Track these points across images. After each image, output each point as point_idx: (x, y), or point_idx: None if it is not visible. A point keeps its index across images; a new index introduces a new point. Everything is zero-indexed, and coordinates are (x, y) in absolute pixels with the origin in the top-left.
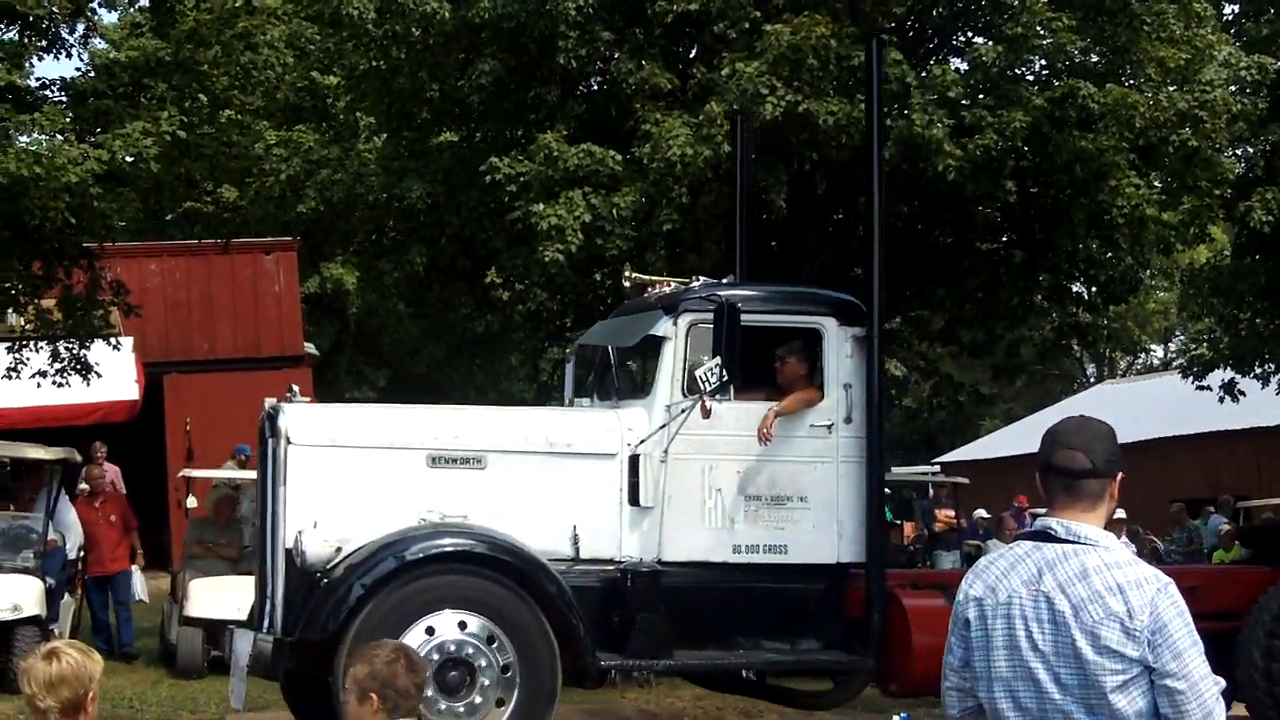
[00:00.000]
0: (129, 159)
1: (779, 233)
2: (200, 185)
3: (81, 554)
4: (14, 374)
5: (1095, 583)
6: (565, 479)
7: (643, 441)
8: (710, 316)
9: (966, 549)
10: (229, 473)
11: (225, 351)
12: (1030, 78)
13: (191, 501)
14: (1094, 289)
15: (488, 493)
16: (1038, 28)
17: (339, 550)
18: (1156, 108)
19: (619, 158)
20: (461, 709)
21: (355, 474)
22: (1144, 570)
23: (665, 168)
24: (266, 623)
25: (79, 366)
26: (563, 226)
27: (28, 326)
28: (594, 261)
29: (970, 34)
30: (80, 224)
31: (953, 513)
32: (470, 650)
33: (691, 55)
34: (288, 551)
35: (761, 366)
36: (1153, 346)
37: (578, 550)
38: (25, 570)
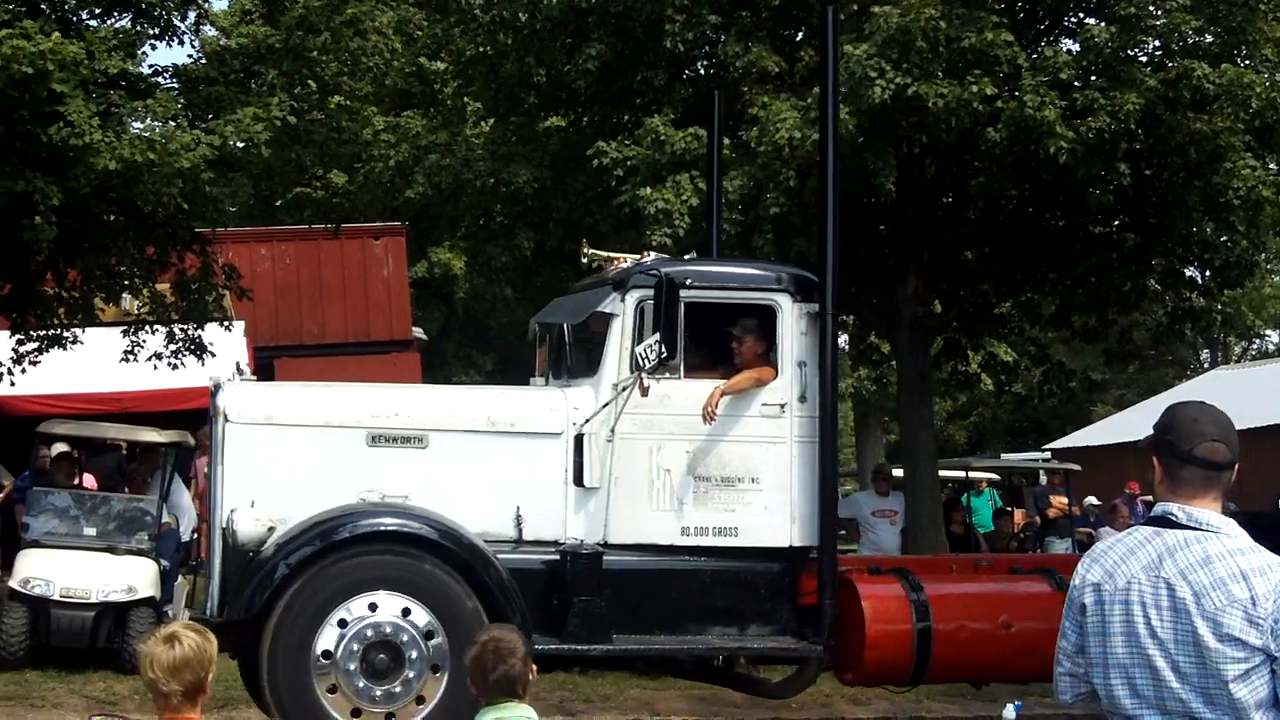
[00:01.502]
0: (240, 145)
1: (887, 216)
2: (310, 171)
3: (195, 536)
4: (131, 357)
5: (1218, 569)
6: (509, 459)
7: (588, 421)
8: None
9: (1078, 536)
10: None
11: (335, 336)
12: (1144, 59)
13: None
14: (1208, 273)
15: (429, 472)
16: (1151, 7)
17: (271, 530)
18: (1273, 88)
19: (726, 141)
20: (381, 693)
21: (294, 453)
22: (1268, 557)
23: (773, 151)
24: (209, 604)
25: (194, 347)
26: (670, 210)
27: (143, 310)
28: (701, 246)
29: (1082, 15)
30: (193, 209)
31: (1065, 499)
32: (397, 633)
33: (799, 38)
34: (223, 531)
35: (720, 345)
36: (1268, 331)
37: (521, 531)
38: (140, 552)
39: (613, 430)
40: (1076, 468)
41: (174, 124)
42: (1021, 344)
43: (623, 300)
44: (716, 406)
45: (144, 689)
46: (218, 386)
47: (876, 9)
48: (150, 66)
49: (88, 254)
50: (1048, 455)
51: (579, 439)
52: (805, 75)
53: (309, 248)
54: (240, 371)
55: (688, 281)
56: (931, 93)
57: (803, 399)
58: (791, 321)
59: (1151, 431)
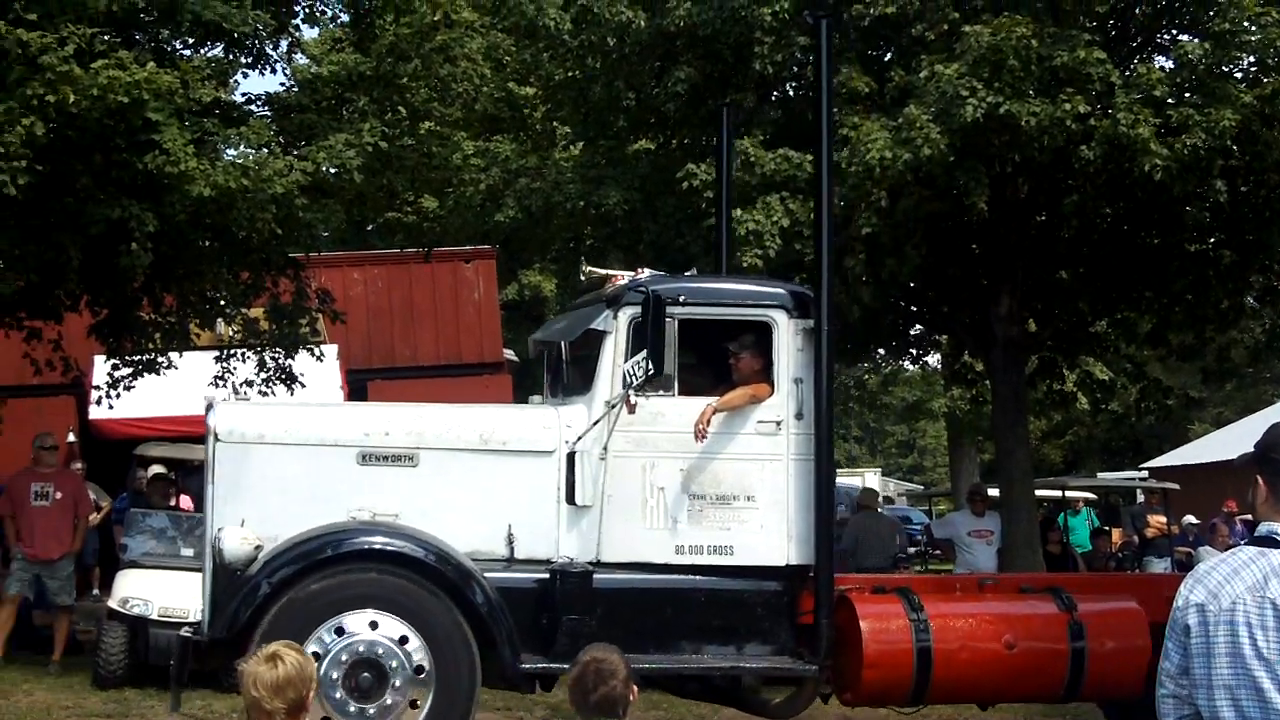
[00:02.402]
0: (332, 171)
1: (980, 235)
2: (401, 196)
3: None
4: (221, 383)
5: None
6: (500, 477)
7: (580, 438)
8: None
9: (1177, 555)
10: None
11: (427, 358)
12: (1238, 75)
13: None
14: None
15: (420, 491)
16: (1245, 23)
17: (259, 548)
18: None
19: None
20: (373, 711)
21: (284, 471)
22: None
23: (864, 171)
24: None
25: (284, 377)
26: (760, 231)
27: (236, 336)
28: (792, 266)
29: (1175, 32)
30: (286, 234)
31: (1164, 519)
32: (381, 651)
33: (889, 58)
34: (211, 549)
35: (720, 362)
36: None
37: (512, 550)
38: None
39: (605, 448)
40: (1175, 486)
41: (267, 151)
42: (1118, 362)
43: (615, 317)
44: (708, 424)
45: (242, 707)
46: (210, 405)
47: (967, 28)
48: (243, 95)
49: (183, 279)
50: (1145, 474)
51: (571, 457)
52: (895, 95)
53: (400, 271)
54: (237, 392)
55: (680, 298)
56: (1024, 111)
57: (799, 416)
58: (787, 337)
59: (1252, 449)
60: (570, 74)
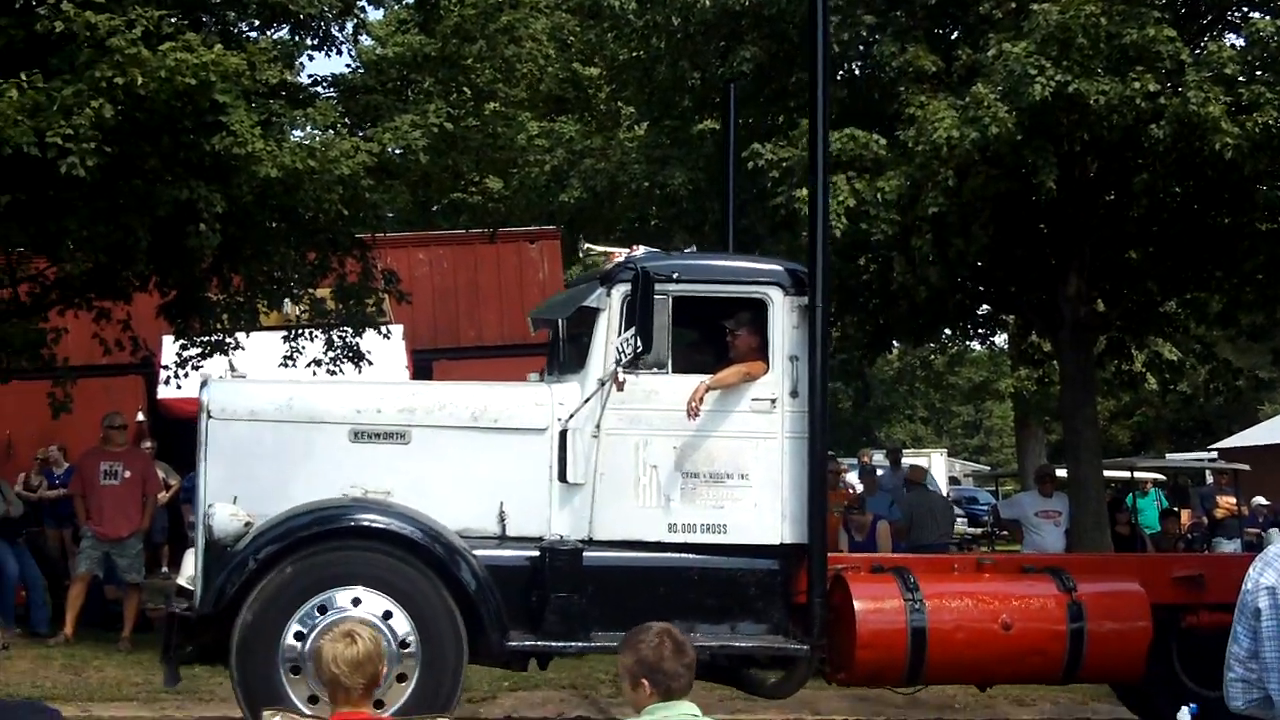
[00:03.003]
0: (398, 152)
1: (1048, 215)
2: (466, 176)
3: None
4: (290, 362)
5: None
6: (492, 455)
7: (572, 416)
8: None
9: (1247, 537)
10: None
11: (492, 338)
12: None
13: None
14: None
15: (411, 468)
16: None
17: (248, 525)
18: None
19: (883, 141)
20: None
21: (277, 448)
22: None
23: (931, 150)
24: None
25: (352, 355)
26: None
27: (303, 316)
28: (858, 246)
29: (1246, 9)
30: (352, 215)
31: (1233, 500)
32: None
33: (955, 36)
34: (203, 526)
35: (720, 340)
36: None
37: (504, 527)
38: None
39: (598, 426)
40: (1245, 467)
41: (333, 132)
42: (1187, 342)
43: (609, 295)
44: (701, 401)
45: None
46: (204, 383)
47: (1035, 6)
48: (309, 77)
49: (250, 260)
50: (1214, 455)
51: (564, 434)
52: (963, 74)
53: (466, 252)
54: (233, 369)
55: (674, 275)
56: (1093, 90)
57: (794, 394)
58: (782, 315)
59: None
60: (635, 54)
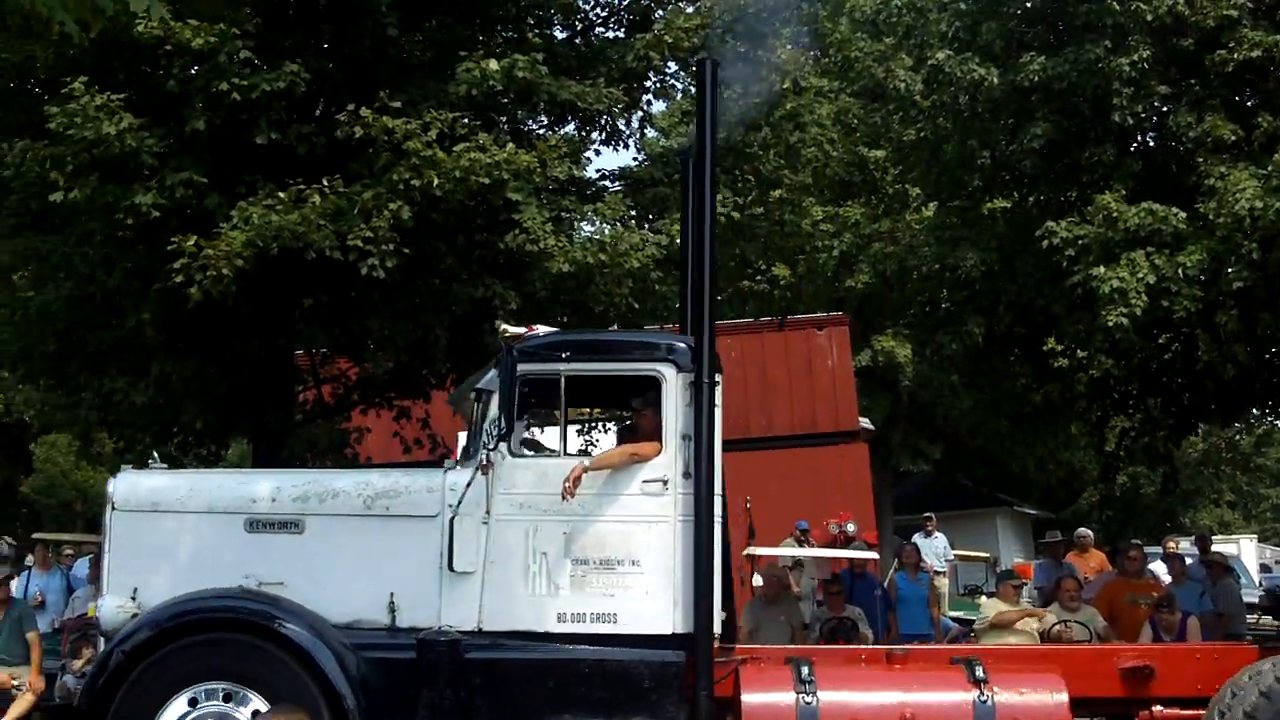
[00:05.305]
0: None
1: None
2: (753, 264)
3: None
4: (586, 455)
5: None
6: (385, 543)
7: (460, 502)
8: (538, 368)
9: None
10: (790, 550)
11: (782, 428)
12: None
13: (757, 580)
14: None
15: (305, 557)
16: None
17: (134, 617)
18: None
19: (1182, 215)
20: None
21: (177, 539)
22: None
23: (1233, 223)
24: None
25: None
26: (1125, 289)
27: (596, 409)
28: (1160, 324)
29: None
30: (642, 307)
31: None
32: None
33: (1253, 103)
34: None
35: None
36: None
37: (394, 618)
38: None
39: (488, 512)
40: None
41: (621, 225)
42: None
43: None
44: (577, 483)
45: None
46: (117, 473)
47: None
48: (597, 171)
49: None
50: None
51: (452, 521)
52: (1264, 141)
53: (754, 340)
54: (154, 459)
55: (565, 355)
56: None
57: (687, 475)
58: (675, 392)
59: None
60: (921, 134)
